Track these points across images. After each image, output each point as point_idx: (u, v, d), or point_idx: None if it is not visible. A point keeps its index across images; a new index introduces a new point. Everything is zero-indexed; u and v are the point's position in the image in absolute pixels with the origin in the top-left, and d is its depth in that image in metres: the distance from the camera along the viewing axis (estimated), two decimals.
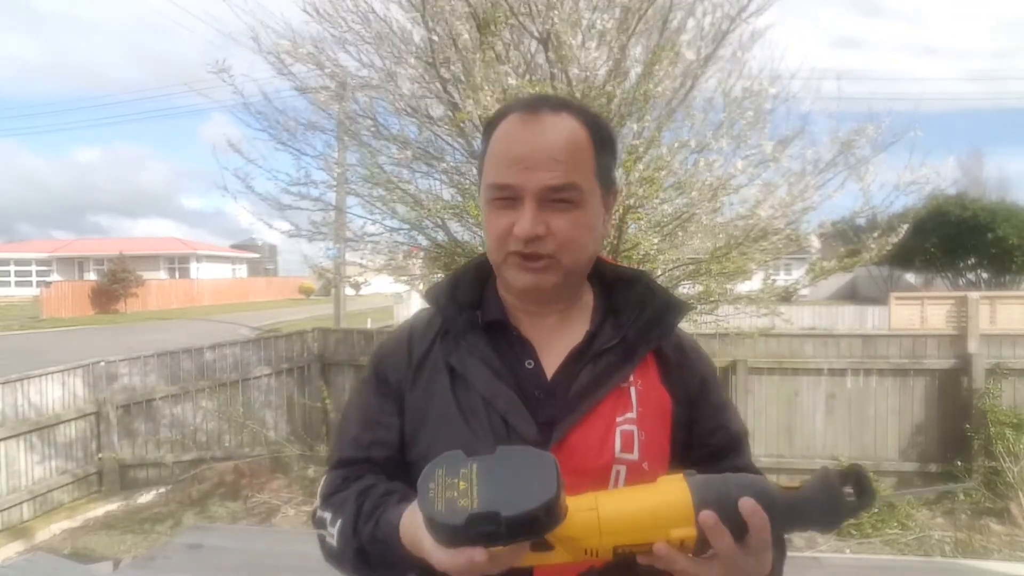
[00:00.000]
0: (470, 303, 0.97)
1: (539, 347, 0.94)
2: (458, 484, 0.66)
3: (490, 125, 0.94)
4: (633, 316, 0.95)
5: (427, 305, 1.02)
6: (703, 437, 0.95)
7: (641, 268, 3.74)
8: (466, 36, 3.18)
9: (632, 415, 0.89)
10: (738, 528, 0.69)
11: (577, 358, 0.92)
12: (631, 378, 0.91)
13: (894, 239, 3.39)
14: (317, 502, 0.95)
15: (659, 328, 0.95)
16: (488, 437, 0.86)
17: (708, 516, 0.68)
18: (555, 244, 0.88)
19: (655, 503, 0.71)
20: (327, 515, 0.91)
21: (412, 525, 0.76)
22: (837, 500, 0.71)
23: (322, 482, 0.97)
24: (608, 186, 0.95)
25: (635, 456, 0.87)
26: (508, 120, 0.91)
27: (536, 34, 3.16)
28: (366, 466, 0.95)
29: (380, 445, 0.95)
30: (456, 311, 0.96)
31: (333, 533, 0.89)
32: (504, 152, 0.89)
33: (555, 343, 0.94)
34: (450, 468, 0.68)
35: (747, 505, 0.69)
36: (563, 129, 0.88)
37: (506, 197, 0.88)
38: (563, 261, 0.89)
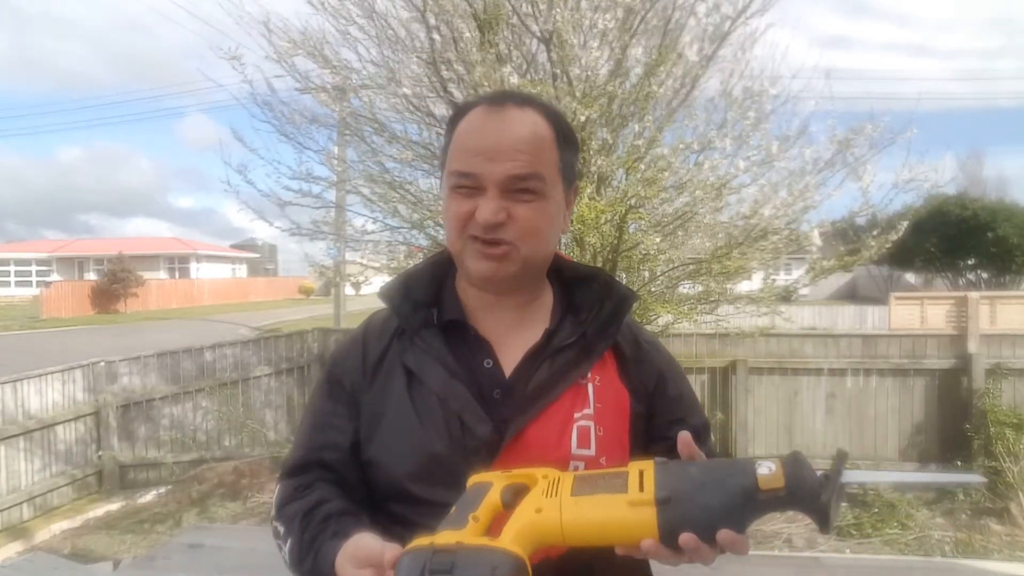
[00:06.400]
0: (425, 301, 0.97)
1: (498, 346, 0.94)
2: None
3: (455, 117, 0.94)
4: (592, 313, 0.95)
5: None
6: (662, 430, 0.95)
7: (641, 267, 3.76)
8: (468, 35, 3.18)
9: (589, 411, 0.89)
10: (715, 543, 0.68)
11: (535, 356, 0.92)
12: (589, 374, 0.92)
13: (894, 237, 3.39)
14: (272, 511, 0.95)
15: (616, 323, 0.96)
16: (443, 437, 0.87)
17: (689, 539, 0.67)
18: (515, 232, 0.88)
19: (619, 519, 0.70)
20: (281, 528, 0.91)
21: (348, 565, 0.76)
22: (822, 508, 0.67)
23: (276, 490, 0.97)
24: (570, 181, 0.96)
25: (592, 451, 0.87)
26: (473, 112, 0.92)
27: (538, 34, 3.16)
28: (318, 471, 0.94)
29: (331, 448, 0.94)
30: (410, 309, 0.96)
31: (285, 551, 0.89)
32: (469, 142, 0.89)
33: (515, 342, 0.94)
34: None
35: (726, 538, 0.68)
36: (527, 122, 0.89)
37: (469, 186, 0.88)
38: (522, 250, 0.89)
